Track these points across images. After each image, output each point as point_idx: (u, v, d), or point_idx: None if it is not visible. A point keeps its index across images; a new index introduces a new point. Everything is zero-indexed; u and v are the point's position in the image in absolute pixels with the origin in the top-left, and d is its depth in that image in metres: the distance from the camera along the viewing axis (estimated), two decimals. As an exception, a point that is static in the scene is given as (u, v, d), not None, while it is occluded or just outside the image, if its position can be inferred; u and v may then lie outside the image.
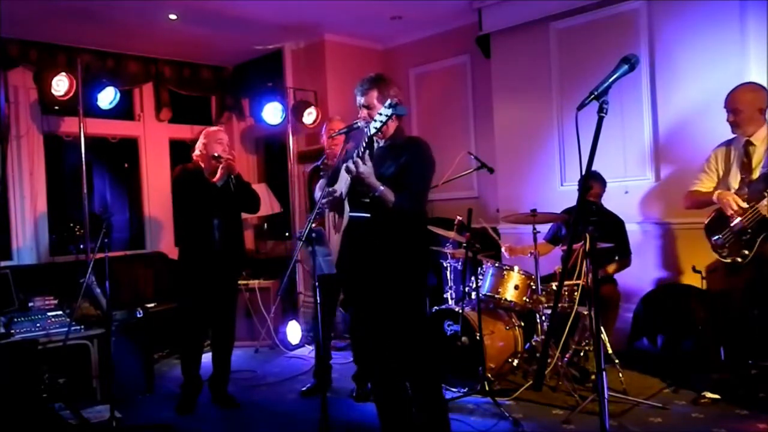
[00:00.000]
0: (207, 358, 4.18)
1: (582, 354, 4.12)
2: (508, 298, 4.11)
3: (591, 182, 4.31)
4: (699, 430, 3.29)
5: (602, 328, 3.70)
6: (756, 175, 3.42)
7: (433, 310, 4.27)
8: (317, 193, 3.22)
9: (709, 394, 3.60)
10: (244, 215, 4.27)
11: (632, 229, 4.57)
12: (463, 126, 6.11)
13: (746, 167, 3.48)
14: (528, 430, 3.41)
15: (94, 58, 6.12)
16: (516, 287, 4.11)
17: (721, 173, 3.62)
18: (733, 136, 3.59)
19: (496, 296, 4.13)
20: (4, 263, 5.44)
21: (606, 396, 1.98)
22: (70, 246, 6.00)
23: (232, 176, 3.90)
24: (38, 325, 4.10)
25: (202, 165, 3.98)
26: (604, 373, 1.99)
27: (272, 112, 6.11)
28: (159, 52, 6.51)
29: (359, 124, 2.92)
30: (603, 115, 1.91)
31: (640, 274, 4.63)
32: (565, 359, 3.98)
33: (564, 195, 4.98)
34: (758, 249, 3.35)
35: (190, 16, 5.48)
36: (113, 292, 3.70)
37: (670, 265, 4.69)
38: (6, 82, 5.63)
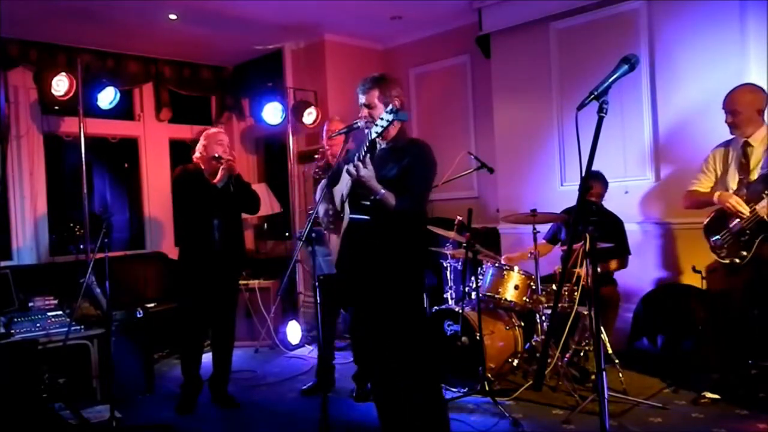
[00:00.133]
0: (207, 358, 4.18)
1: (582, 354, 4.12)
2: (508, 298, 4.11)
3: (592, 182, 4.30)
4: (699, 430, 3.29)
5: (602, 328, 3.69)
6: (755, 176, 3.42)
7: (433, 310, 4.27)
8: (318, 193, 3.21)
9: (709, 394, 3.60)
10: (244, 215, 4.28)
11: (632, 229, 4.57)
12: (463, 126, 6.10)
13: (744, 168, 3.48)
14: (528, 430, 3.41)
15: (94, 58, 6.12)
16: (516, 287, 4.11)
17: (718, 173, 3.62)
18: (732, 136, 3.59)
19: (496, 296, 4.13)
20: (4, 263, 5.44)
21: (606, 396, 1.98)
22: (70, 246, 6.00)
23: (232, 177, 3.91)
24: (38, 325, 4.10)
25: (203, 166, 3.98)
26: (604, 373, 2.00)
27: (272, 112, 6.11)
28: (159, 52, 6.52)
29: (359, 124, 2.91)
30: (603, 115, 1.91)
31: (640, 274, 4.63)
32: (565, 359, 3.98)
33: (564, 195, 4.98)
34: (756, 250, 3.36)
35: (190, 16, 5.48)
36: (113, 292, 3.70)
37: (670, 265, 4.69)
38: (6, 82, 5.64)
